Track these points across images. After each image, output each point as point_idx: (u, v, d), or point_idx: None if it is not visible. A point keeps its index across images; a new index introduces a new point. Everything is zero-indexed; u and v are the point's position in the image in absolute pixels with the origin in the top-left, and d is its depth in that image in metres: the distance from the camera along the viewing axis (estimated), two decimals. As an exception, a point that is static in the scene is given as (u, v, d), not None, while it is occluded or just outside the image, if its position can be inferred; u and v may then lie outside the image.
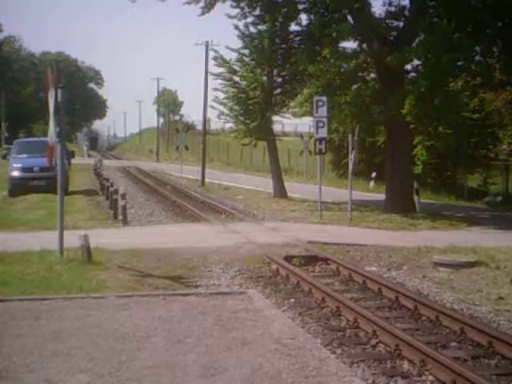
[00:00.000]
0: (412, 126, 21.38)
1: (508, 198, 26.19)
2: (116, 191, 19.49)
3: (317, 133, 19.00)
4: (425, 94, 19.17)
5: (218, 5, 23.30)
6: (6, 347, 6.47)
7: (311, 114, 20.96)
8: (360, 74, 21.90)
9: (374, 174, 31.29)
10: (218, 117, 28.72)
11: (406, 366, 7.21)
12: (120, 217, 18.06)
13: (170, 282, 10.62)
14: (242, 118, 27.21)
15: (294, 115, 26.09)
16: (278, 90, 26.56)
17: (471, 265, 12.56)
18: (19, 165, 25.68)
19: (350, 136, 19.28)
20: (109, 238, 13.63)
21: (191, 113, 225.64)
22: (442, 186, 29.84)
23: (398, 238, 15.70)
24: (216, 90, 28.24)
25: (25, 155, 26.07)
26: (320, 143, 19.05)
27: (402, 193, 21.26)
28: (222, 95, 27.77)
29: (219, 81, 27.87)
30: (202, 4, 23.11)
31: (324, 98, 18.81)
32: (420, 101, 19.19)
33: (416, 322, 8.93)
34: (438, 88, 19.09)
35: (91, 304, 8.23)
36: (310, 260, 12.82)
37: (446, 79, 19.38)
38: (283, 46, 25.70)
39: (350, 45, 28.41)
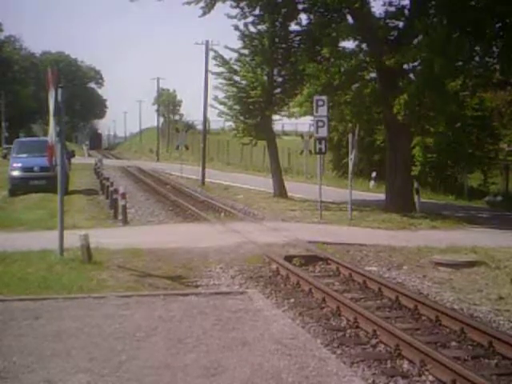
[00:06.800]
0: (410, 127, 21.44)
1: (508, 198, 26.17)
2: (116, 191, 19.49)
3: (317, 132, 19.01)
4: (419, 94, 19.21)
5: (218, 5, 23.30)
6: (6, 347, 6.47)
7: (311, 114, 20.99)
8: (360, 73, 21.90)
9: (374, 174, 31.32)
10: (218, 115, 28.78)
11: (406, 365, 7.21)
12: (120, 216, 18.06)
13: (170, 282, 10.62)
14: (242, 118, 27.24)
15: (292, 115, 26.12)
16: (278, 90, 26.55)
17: (471, 265, 12.56)
18: (19, 164, 25.67)
19: (350, 135, 19.28)
20: (109, 237, 13.61)
21: (191, 112, 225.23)
22: (442, 185, 29.85)
23: (398, 237, 15.69)
24: (216, 88, 28.28)
25: (25, 155, 26.07)
26: (320, 143, 19.06)
27: (402, 192, 21.26)
28: (222, 94, 27.84)
29: (219, 80, 27.92)
30: (202, 4, 23.10)
31: (324, 98, 18.81)
32: (415, 100, 19.23)
33: (416, 322, 8.93)
34: (433, 88, 19.12)
35: (91, 304, 8.23)
36: (311, 260, 12.81)
37: (443, 80, 19.38)
38: (283, 45, 25.69)
39: (349, 44, 28.38)
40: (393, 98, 19.62)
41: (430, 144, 26.82)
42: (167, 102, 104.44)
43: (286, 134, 52.00)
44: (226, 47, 27.66)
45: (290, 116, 26.94)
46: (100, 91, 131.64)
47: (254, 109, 26.54)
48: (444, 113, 20.22)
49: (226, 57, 27.57)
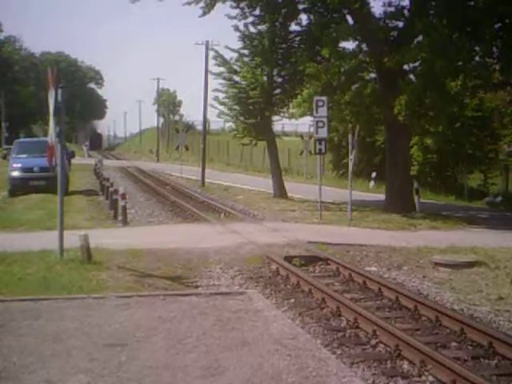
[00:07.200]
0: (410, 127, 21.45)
1: (508, 198, 26.19)
2: (116, 191, 19.49)
3: (317, 133, 19.01)
4: (420, 94, 19.23)
5: (218, 5, 23.32)
6: (6, 347, 6.47)
7: (309, 114, 20.99)
8: (360, 74, 21.91)
9: (373, 174, 31.31)
10: (218, 116, 28.82)
11: (405, 366, 7.21)
12: (120, 217, 18.05)
13: (169, 283, 10.63)
14: (242, 118, 27.25)
15: (292, 116, 26.16)
16: (278, 90, 26.56)
17: (471, 265, 12.57)
18: (19, 165, 25.67)
19: (350, 136, 19.28)
20: (109, 238, 13.62)
21: (191, 112, 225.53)
22: (442, 185, 29.86)
23: (398, 238, 15.69)
24: (216, 90, 28.30)
25: (25, 155, 26.07)
26: (320, 143, 19.07)
27: (402, 193, 21.26)
28: (221, 95, 27.85)
29: (219, 80, 27.95)
30: (202, 4, 23.13)
31: (324, 98, 18.82)
32: (414, 100, 19.24)
33: (416, 322, 8.94)
34: (433, 89, 19.13)
35: (91, 304, 8.23)
36: (310, 260, 12.82)
37: (442, 80, 19.39)
38: (283, 45, 25.70)
39: (349, 45, 28.43)
40: (393, 98, 19.63)
41: (429, 144, 26.84)
42: (167, 103, 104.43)
43: (286, 134, 51.92)
44: (227, 47, 27.72)
45: (289, 117, 26.98)
46: (100, 91, 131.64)
47: (254, 109, 26.55)
48: (445, 113, 20.22)
49: (226, 57, 27.64)
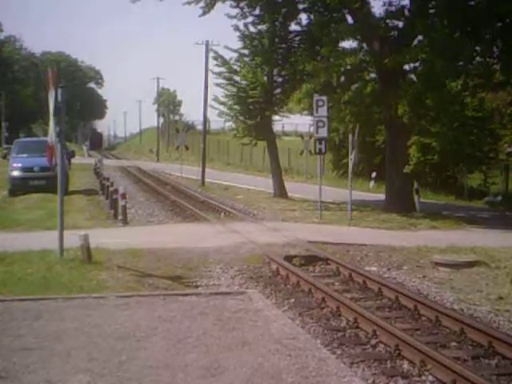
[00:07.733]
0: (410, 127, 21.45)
1: (508, 198, 26.19)
2: (116, 191, 19.49)
3: (317, 132, 19.01)
4: (420, 95, 19.23)
5: (218, 5, 23.33)
6: (6, 347, 6.47)
7: (309, 111, 20.99)
8: (360, 73, 21.90)
9: (374, 174, 31.31)
10: (219, 115, 28.84)
11: (405, 366, 7.21)
12: (120, 217, 18.05)
13: (170, 282, 10.62)
14: (242, 118, 27.26)
15: (290, 111, 26.18)
16: (278, 90, 26.58)
17: (471, 265, 12.57)
18: (19, 164, 25.68)
19: (350, 136, 19.28)
20: (109, 237, 13.61)
21: (191, 112, 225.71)
22: (442, 185, 29.86)
23: (398, 237, 15.69)
24: (217, 85, 28.26)
25: (25, 155, 26.07)
26: (320, 143, 19.06)
27: (402, 193, 21.27)
28: (221, 93, 27.89)
29: (220, 80, 27.96)
30: (202, 4, 23.14)
31: (324, 98, 18.81)
32: (416, 101, 19.25)
33: (416, 322, 8.93)
34: (434, 89, 19.13)
35: (91, 304, 8.22)
36: (310, 260, 12.82)
37: (443, 80, 19.38)
38: (283, 45, 25.73)
39: (349, 44, 28.43)
40: (393, 98, 19.63)
41: (428, 144, 26.80)
42: (167, 102, 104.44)
43: (286, 134, 51.95)
44: (226, 47, 27.74)
45: (287, 111, 27.05)
46: (100, 91, 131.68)
47: (254, 109, 26.57)
48: (446, 113, 20.22)
49: (226, 57, 27.66)
